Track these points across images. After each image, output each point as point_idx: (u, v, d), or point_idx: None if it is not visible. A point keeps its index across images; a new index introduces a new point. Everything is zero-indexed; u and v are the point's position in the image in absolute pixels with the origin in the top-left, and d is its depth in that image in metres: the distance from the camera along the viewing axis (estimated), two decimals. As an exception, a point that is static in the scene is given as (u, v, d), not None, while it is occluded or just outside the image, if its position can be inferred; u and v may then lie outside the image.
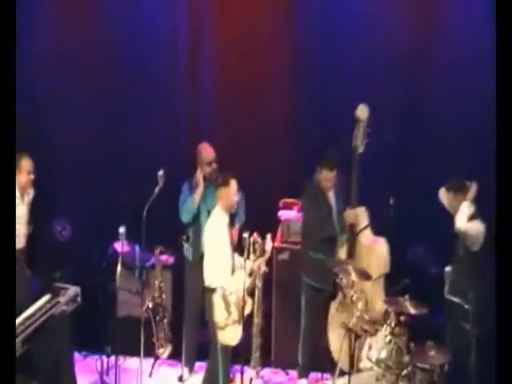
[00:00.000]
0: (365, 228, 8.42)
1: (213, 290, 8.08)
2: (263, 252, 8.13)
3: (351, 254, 8.54)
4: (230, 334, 8.06)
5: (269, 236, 8.14)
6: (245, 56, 9.46)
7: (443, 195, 8.06)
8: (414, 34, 9.20)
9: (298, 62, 9.43)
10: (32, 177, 8.69)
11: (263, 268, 8.18)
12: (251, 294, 8.18)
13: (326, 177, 8.47)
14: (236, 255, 8.21)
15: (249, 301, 8.06)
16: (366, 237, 8.47)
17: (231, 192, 8.10)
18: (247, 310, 8.09)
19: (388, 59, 9.23)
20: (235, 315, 8.02)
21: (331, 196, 8.66)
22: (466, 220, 7.84)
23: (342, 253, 8.59)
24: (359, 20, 9.24)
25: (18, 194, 8.58)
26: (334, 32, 9.29)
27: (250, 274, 8.09)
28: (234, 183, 8.11)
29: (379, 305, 8.29)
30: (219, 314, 8.04)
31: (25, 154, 8.71)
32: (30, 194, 8.76)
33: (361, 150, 8.33)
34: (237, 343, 8.08)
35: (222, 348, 8.09)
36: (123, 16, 9.60)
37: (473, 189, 7.93)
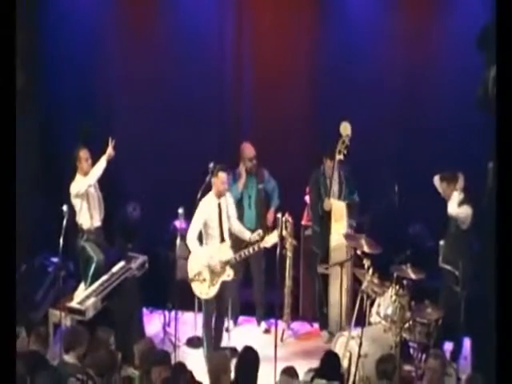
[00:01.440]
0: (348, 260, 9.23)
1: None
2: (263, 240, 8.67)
3: (328, 231, 9.42)
4: (198, 289, 8.74)
5: (260, 231, 8.72)
6: (278, 69, 10.09)
7: (438, 183, 8.72)
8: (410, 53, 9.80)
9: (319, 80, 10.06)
10: (90, 162, 9.09)
11: (247, 254, 8.76)
12: (232, 263, 8.75)
13: (328, 165, 9.36)
14: (227, 231, 8.80)
15: (228, 270, 8.70)
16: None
17: (219, 181, 8.66)
18: (224, 277, 8.70)
19: (389, 70, 9.87)
20: (206, 275, 8.67)
21: (335, 180, 9.43)
22: (456, 206, 8.56)
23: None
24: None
25: (87, 181, 9.06)
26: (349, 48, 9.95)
27: (233, 247, 8.80)
28: (221, 175, 8.64)
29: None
30: (189, 269, 8.76)
31: (82, 147, 9.15)
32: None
33: (339, 157, 9.25)
34: (208, 298, 8.71)
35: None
36: (178, 29, 10.18)
37: (461, 179, 8.61)
